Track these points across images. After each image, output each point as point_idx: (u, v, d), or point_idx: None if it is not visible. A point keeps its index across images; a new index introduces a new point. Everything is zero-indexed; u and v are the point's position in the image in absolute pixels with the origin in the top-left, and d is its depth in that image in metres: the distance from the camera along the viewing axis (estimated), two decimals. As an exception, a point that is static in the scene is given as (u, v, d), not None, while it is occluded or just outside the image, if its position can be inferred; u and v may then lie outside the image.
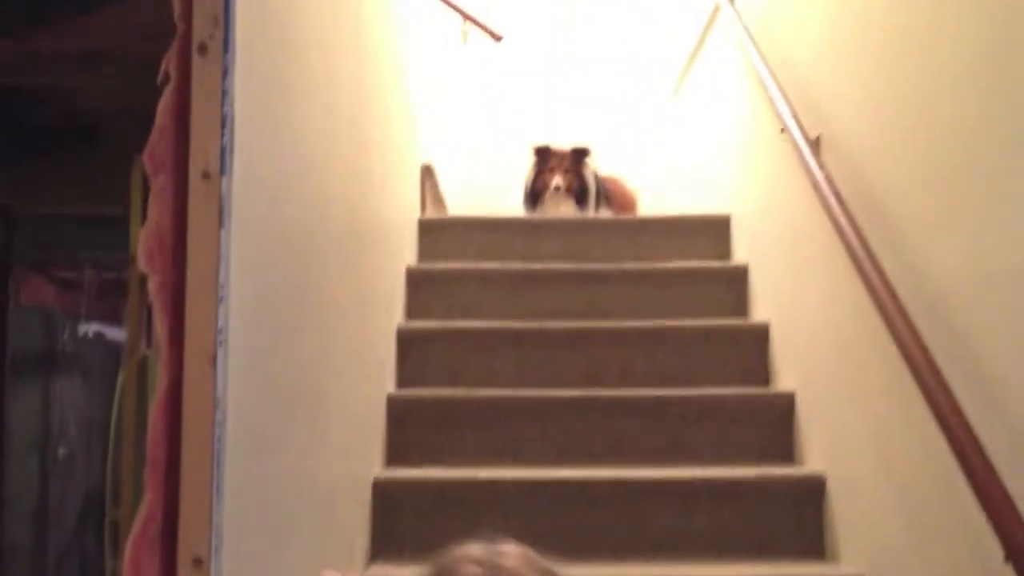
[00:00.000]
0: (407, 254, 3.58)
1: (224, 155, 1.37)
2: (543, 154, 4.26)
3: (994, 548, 1.60)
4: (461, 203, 4.59)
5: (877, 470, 2.31)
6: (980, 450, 1.70)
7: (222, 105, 1.36)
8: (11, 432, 4.21)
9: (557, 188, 4.16)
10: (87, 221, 3.95)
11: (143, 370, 3.20)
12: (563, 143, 4.28)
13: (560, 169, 4.19)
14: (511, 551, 1.10)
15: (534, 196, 4.23)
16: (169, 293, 1.40)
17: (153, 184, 1.40)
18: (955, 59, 1.91)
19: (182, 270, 1.39)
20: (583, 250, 3.78)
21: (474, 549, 1.11)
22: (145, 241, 1.39)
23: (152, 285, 1.40)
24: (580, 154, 4.24)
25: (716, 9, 3.87)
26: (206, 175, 1.37)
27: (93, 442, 5.01)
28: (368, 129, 2.69)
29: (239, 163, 1.41)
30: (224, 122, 1.37)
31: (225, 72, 1.37)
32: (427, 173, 4.14)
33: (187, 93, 1.37)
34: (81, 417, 5.01)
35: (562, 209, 4.19)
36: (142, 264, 1.40)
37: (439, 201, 4.38)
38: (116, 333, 5.09)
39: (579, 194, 4.20)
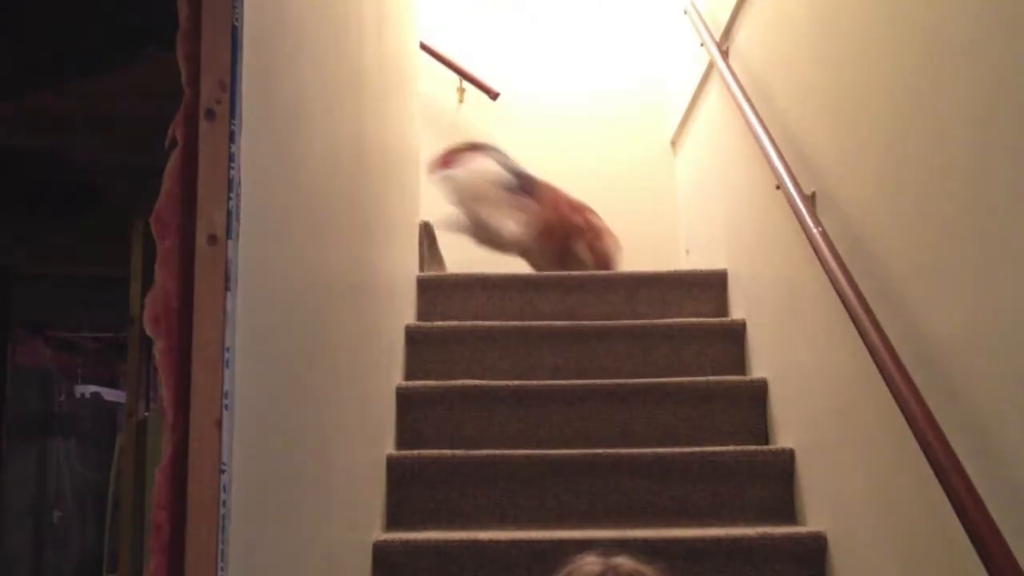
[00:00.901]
0: (406, 312, 3.59)
1: (230, 219, 1.38)
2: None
3: (1002, 606, 1.59)
4: (460, 260, 4.60)
5: (878, 528, 2.30)
6: (982, 507, 1.69)
7: (228, 169, 1.38)
8: (6, 496, 4.18)
9: None
10: (85, 281, 3.96)
11: (142, 432, 3.19)
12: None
13: None
14: (625, 559, 1.13)
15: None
16: (175, 357, 1.40)
17: (160, 248, 1.41)
18: (948, 118, 1.94)
19: (188, 334, 1.40)
20: (581, 307, 3.79)
21: (590, 557, 1.13)
22: (151, 305, 1.40)
23: (158, 349, 1.41)
24: None
25: (711, 65, 3.92)
26: (212, 239, 1.38)
27: (88, 505, 4.97)
28: (369, 188, 2.71)
29: (245, 227, 1.42)
30: (230, 186, 1.38)
31: (232, 137, 1.38)
32: (425, 230, 4.16)
33: (194, 157, 1.39)
34: (76, 480, 4.98)
35: None
36: (148, 328, 1.41)
37: (438, 259, 4.39)
38: (113, 394, 5.08)
39: None
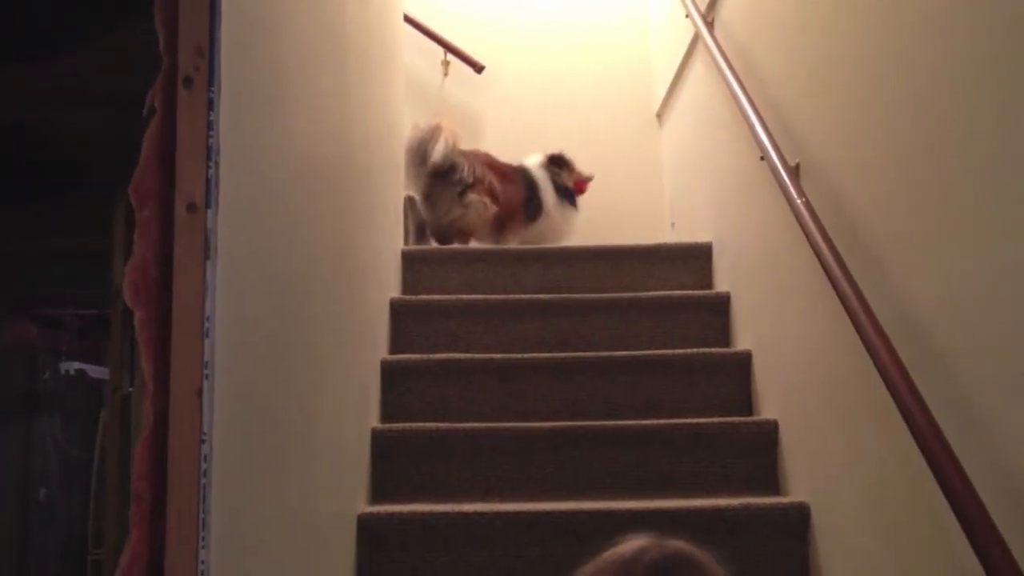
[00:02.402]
0: (391, 285, 3.58)
1: (210, 188, 1.37)
2: (559, 160, 4.69)
3: (975, 569, 1.60)
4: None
5: (861, 498, 2.31)
6: (962, 475, 1.70)
7: (207, 137, 1.37)
8: (-8, 474, 4.17)
9: (590, 178, 4.76)
10: (69, 257, 3.93)
11: (126, 408, 3.18)
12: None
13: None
14: (679, 543, 1.13)
15: (571, 197, 4.68)
16: (154, 327, 1.40)
17: (138, 217, 1.40)
18: (932, 88, 1.94)
19: (167, 304, 1.39)
20: (566, 279, 3.79)
21: (642, 536, 1.13)
22: (130, 275, 1.39)
23: (137, 319, 1.40)
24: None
25: (696, 37, 3.91)
26: (191, 208, 1.37)
27: (74, 483, 4.96)
28: (351, 159, 2.69)
29: (225, 196, 1.41)
30: (209, 155, 1.37)
31: (210, 104, 1.37)
32: (410, 204, 4.15)
33: (172, 126, 1.37)
34: (63, 457, 4.96)
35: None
36: (127, 298, 1.40)
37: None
38: (98, 371, 5.06)
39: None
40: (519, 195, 4.47)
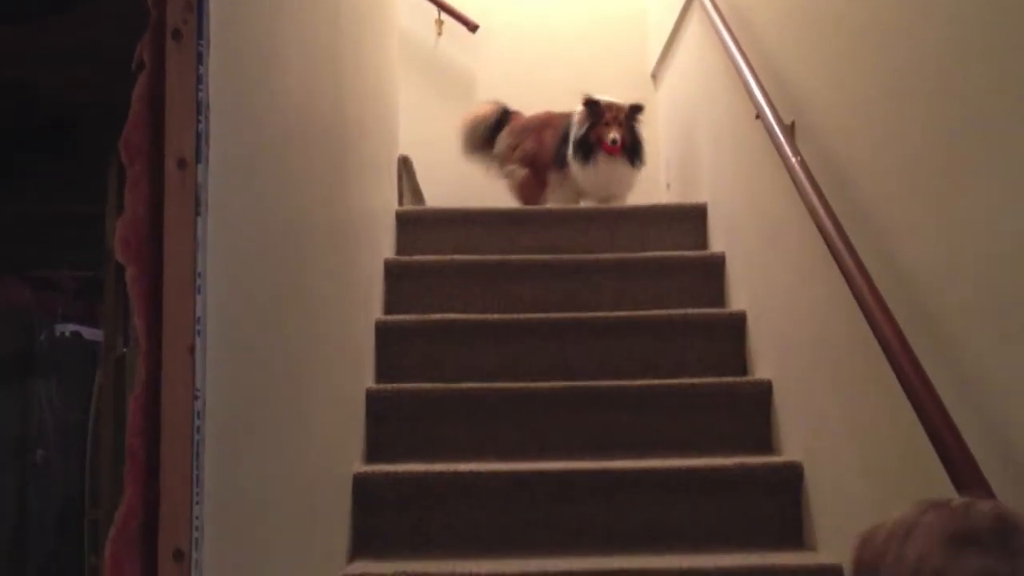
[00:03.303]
0: (385, 246, 3.57)
1: (200, 143, 1.36)
2: (594, 107, 4.14)
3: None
4: (439, 195, 4.59)
5: (853, 457, 2.31)
6: (955, 433, 1.70)
7: (196, 92, 1.35)
8: (-11, 437, 4.17)
9: (614, 141, 4.06)
10: (63, 219, 3.91)
11: (121, 369, 3.18)
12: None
13: (615, 123, 4.10)
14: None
15: (585, 150, 4.13)
16: (146, 284, 1.39)
17: (129, 173, 1.39)
18: (927, 45, 1.92)
19: (159, 260, 1.38)
20: (562, 241, 3.78)
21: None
22: (121, 231, 1.38)
23: (129, 275, 1.39)
24: (635, 110, 4.16)
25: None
26: (182, 163, 1.36)
27: (71, 444, 4.97)
28: (345, 118, 2.68)
29: (215, 151, 1.40)
30: (199, 109, 1.36)
31: (200, 58, 1.36)
32: (404, 165, 4.13)
33: (162, 80, 1.36)
34: (59, 419, 4.97)
35: (615, 168, 4.15)
36: (118, 254, 1.39)
37: (417, 193, 4.37)
38: (93, 333, 5.06)
39: (631, 151, 4.15)
40: (552, 147, 4.35)
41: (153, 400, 1.40)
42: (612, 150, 4.08)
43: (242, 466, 1.61)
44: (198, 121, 1.36)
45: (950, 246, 1.83)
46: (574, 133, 4.18)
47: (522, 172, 4.40)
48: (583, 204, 4.19)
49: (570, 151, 4.18)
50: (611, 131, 4.07)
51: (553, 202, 4.28)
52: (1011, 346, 1.63)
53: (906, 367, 1.85)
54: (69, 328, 5.30)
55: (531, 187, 4.39)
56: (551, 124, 4.37)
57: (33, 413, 4.86)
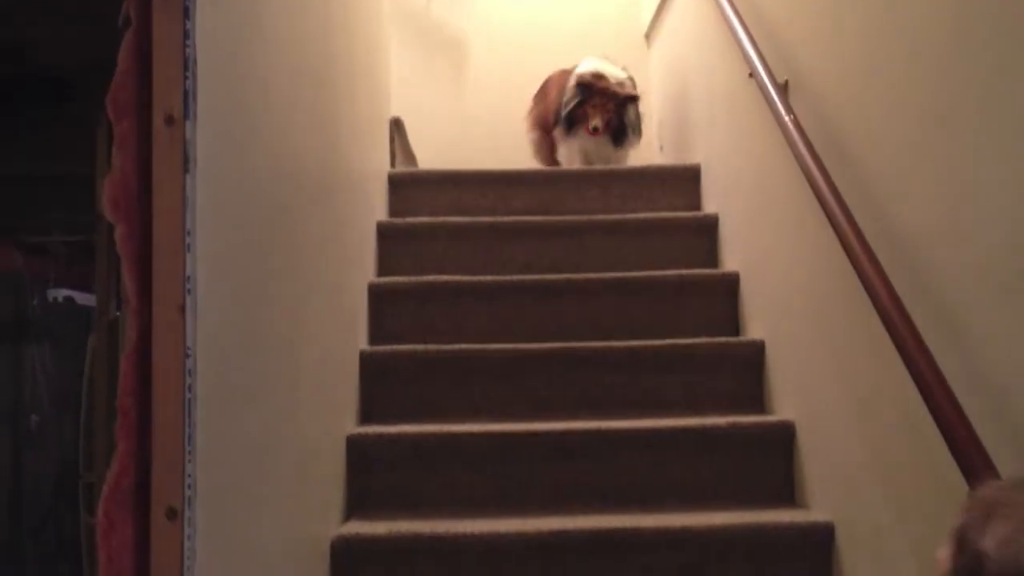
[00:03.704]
0: (378, 209, 3.56)
1: (187, 99, 1.35)
2: (586, 89, 4.11)
3: (960, 489, 1.61)
4: (432, 158, 4.57)
5: (846, 416, 2.32)
6: (947, 390, 1.71)
7: (184, 47, 1.34)
8: (-17, 402, 4.18)
9: (595, 129, 4.07)
10: (55, 182, 3.89)
11: (114, 332, 3.17)
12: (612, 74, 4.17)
13: (602, 109, 4.09)
14: None
15: (569, 124, 4.16)
16: (136, 242, 1.38)
17: (116, 131, 1.38)
18: (924, 2, 1.91)
19: (148, 218, 1.37)
20: (555, 202, 3.77)
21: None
22: (109, 189, 1.37)
23: (118, 234, 1.38)
24: (630, 99, 4.15)
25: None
26: (169, 120, 1.34)
27: (65, 409, 4.98)
28: (335, 79, 2.66)
29: (203, 108, 1.39)
30: (187, 65, 1.34)
31: (187, 12, 1.34)
32: (396, 127, 4.11)
33: (148, 36, 1.35)
34: (53, 384, 4.97)
35: (598, 146, 4.16)
36: (107, 213, 1.38)
37: (409, 155, 4.35)
38: (86, 298, 5.05)
39: (616, 134, 4.15)
40: (555, 107, 4.33)
41: (144, 360, 1.39)
42: (594, 134, 4.10)
43: (235, 425, 1.61)
44: (185, 77, 1.34)
45: (946, 205, 1.82)
46: (562, 102, 4.19)
47: (535, 135, 4.45)
48: (578, 167, 4.16)
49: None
50: (595, 117, 4.09)
51: (563, 163, 4.28)
52: (1004, 304, 1.63)
53: (899, 325, 1.85)
54: (62, 293, 5.30)
55: (543, 149, 4.41)
56: (557, 83, 4.37)
57: (26, 379, 4.87)
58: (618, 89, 4.11)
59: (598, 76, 4.11)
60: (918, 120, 1.93)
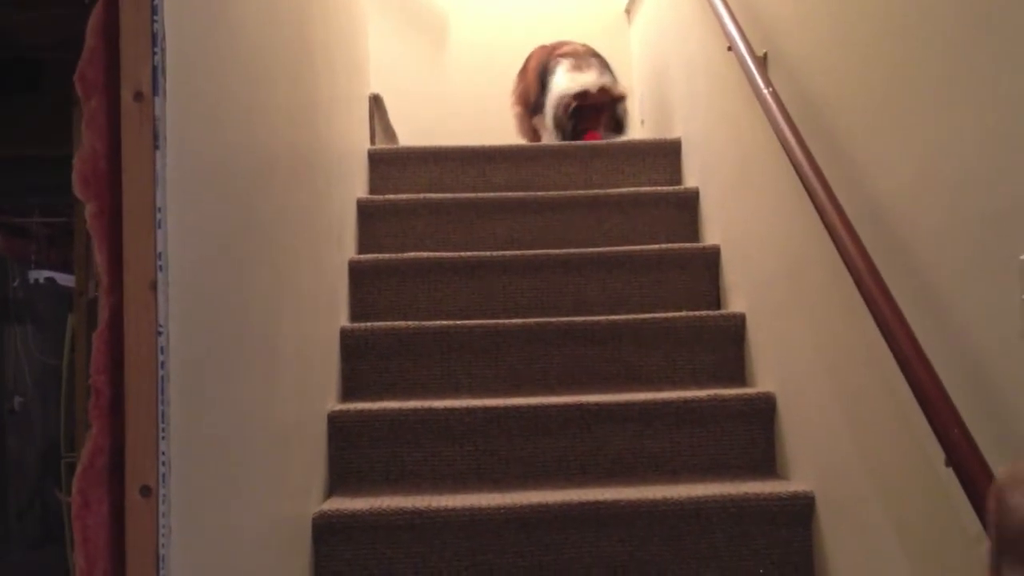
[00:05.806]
0: (358, 186, 3.55)
1: (156, 75, 1.34)
2: (578, 110, 4.17)
3: (937, 456, 1.62)
4: (412, 134, 4.56)
5: (826, 388, 2.33)
6: (923, 358, 1.72)
7: (152, 22, 1.33)
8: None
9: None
10: (34, 163, 3.86)
11: (93, 312, 3.16)
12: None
13: (595, 121, 4.17)
14: None
15: (562, 133, 4.20)
16: (106, 219, 1.38)
17: (85, 108, 1.37)
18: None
19: (118, 195, 1.36)
20: (535, 178, 3.78)
21: None
22: (79, 167, 1.36)
23: (89, 212, 1.37)
24: (618, 99, 4.21)
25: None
26: (138, 96, 1.33)
27: (48, 389, 4.97)
28: (312, 54, 2.64)
29: (173, 83, 1.38)
30: (155, 40, 1.33)
31: (154, -14, 1.33)
32: (376, 104, 4.09)
33: (115, 10, 1.33)
34: (35, 365, 4.97)
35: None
36: (78, 191, 1.37)
37: (389, 132, 4.33)
38: (67, 279, 5.04)
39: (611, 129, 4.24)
40: (535, 85, 4.39)
41: (117, 337, 1.39)
42: (591, 136, 4.15)
43: (210, 402, 1.61)
44: (154, 53, 1.33)
45: (922, 173, 1.83)
46: (553, 111, 4.20)
47: (518, 109, 4.50)
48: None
49: (548, 110, 4.25)
50: (595, 129, 4.16)
51: (546, 139, 4.29)
52: (977, 272, 1.63)
53: (877, 297, 1.86)
54: (43, 274, 5.28)
55: (525, 125, 4.43)
56: (536, 58, 4.39)
57: (9, 359, 4.86)
58: (605, 97, 4.18)
59: (583, 96, 4.17)
60: (891, 85, 1.93)
